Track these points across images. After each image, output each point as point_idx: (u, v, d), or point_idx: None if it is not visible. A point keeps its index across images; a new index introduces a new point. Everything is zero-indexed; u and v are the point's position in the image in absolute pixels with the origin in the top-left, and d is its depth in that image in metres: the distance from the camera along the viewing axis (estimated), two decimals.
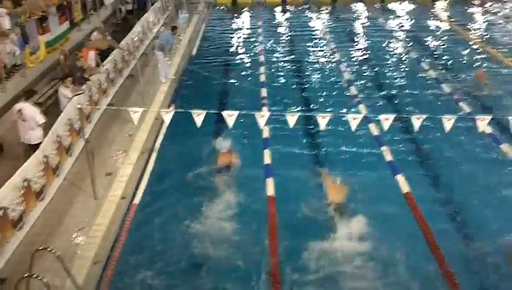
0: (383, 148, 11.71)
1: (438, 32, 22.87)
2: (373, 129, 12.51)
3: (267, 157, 11.37)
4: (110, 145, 11.76)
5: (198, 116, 8.71)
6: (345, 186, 9.88)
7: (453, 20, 25.19)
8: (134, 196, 10.16)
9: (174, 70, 17.03)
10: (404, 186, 10.16)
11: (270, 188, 10.14)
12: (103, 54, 14.49)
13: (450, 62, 18.41)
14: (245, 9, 29.11)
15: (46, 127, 9.81)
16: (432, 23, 24.68)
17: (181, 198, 10.04)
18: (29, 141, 10.00)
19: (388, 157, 11.35)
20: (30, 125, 9.89)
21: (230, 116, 8.78)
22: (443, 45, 20.84)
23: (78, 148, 10.77)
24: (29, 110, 9.93)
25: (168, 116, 8.98)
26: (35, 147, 9.31)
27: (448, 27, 23.77)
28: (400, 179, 10.40)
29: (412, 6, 29.08)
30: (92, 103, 12.31)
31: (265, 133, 12.30)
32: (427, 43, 21.02)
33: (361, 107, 14.12)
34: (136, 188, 10.44)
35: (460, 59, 18.62)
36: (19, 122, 9.95)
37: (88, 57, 13.51)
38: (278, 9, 28.98)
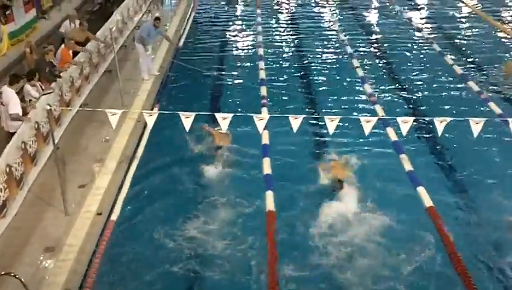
0: (402, 156, 11.69)
1: (464, 21, 22.97)
2: (391, 133, 12.50)
3: (266, 167, 11.33)
4: (84, 152, 11.71)
5: (187, 119, 8.69)
6: (348, 165, 10.58)
7: (479, 6, 25.30)
8: (112, 212, 10.07)
9: (159, 65, 17.04)
10: (427, 199, 10.14)
11: (270, 201, 10.12)
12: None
13: (477, 55, 18.48)
14: None
15: None
16: (457, 11, 24.78)
17: (166, 214, 9.98)
18: (7, 128, 10.50)
19: (408, 166, 11.33)
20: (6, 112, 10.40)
21: (224, 119, 8.77)
22: (470, 35, 20.93)
23: (46, 155, 10.73)
24: (7, 96, 10.39)
25: (151, 119, 8.96)
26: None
27: (475, 14, 23.86)
28: (421, 191, 10.38)
29: None
30: (62, 103, 12.29)
31: (265, 139, 12.28)
32: (451, 34, 21.09)
33: (378, 108, 14.12)
34: (114, 203, 10.35)
35: (490, 51, 18.70)
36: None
37: (66, 57, 13.56)
38: None
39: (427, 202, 10.04)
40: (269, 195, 10.27)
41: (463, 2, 26.21)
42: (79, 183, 10.47)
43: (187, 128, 8.78)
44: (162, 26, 16.32)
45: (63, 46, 14.01)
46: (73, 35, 14.82)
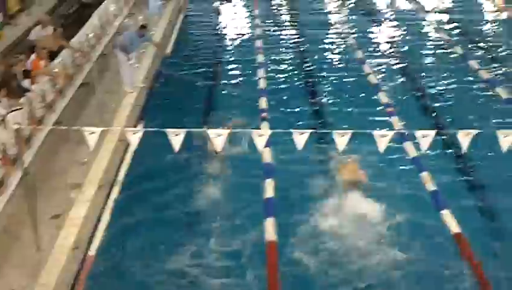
0: (423, 174, 11.67)
1: (490, 20, 23.08)
2: (410, 149, 12.47)
3: (269, 189, 11.29)
4: (58, 177, 11.64)
5: (176, 137, 8.67)
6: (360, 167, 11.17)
7: (509, 6, 25.46)
8: (90, 246, 10.03)
9: (143, 76, 17.06)
10: (453, 225, 10.09)
11: (271, 230, 10.06)
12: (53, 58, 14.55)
13: (506, 58, 18.51)
14: None
15: None
16: (481, 8, 24.90)
17: (152, 246, 9.92)
18: None
19: (430, 186, 11.29)
20: None
21: (218, 137, 8.75)
22: (497, 36, 20.99)
23: (14, 182, 10.67)
24: None
25: (135, 138, 8.94)
26: None
27: (504, 14, 23.98)
28: (447, 215, 10.34)
29: None
30: (33, 121, 12.25)
31: (266, 157, 12.24)
32: (476, 35, 21.17)
33: (394, 120, 14.10)
34: (93, 235, 10.31)
35: None
36: None
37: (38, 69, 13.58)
38: None
39: (454, 227, 9.99)
40: (270, 223, 10.23)
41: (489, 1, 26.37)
42: (52, 213, 10.37)
43: (176, 148, 8.74)
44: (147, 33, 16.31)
45: (33, 56, 14.02)
46: (46, 43, 14.82)
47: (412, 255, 9.42)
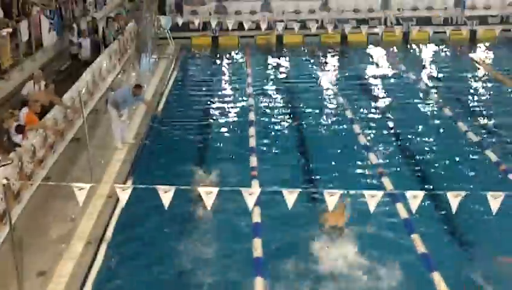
0: (414, 236, 11.64)
1: (478, 83, 23.45)
2: (401, 210, 12.48)
3: (257, 249, 11.21)
4: (45, 233, 11.56)
5: (166, 194, 8.68)
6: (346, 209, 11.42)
7: (495, 68, 25.95)
8: None
9: (135, 132, 17.12)
10: (442, 287, 10.03)
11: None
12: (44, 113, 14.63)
13: (494, 121, 18.77)
14: (229, 52, 29.77)
15: None
16: (469, 72, 25.35)
17: None
18: None
19: (421, 248, 11.26)
20: None
21: (208, 194, 8.76)
22: (485, 98, 21.31)
23: (1, 238, 10.57)
24: None
25: (124, 194, 8.94)
26: None
27: (490, 76, 24.42)
28: (437, 277, 10.28)
29: (442, 49, 29.99)
30: (22, 176, 12.22)
31: (256, 217, 12.21)
32: (464, 97, 21.46)
33: (385, 181, 14.14)
34: None
35: (508, 115, 19.06)
36: None
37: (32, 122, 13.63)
38: (273, 53, 29.67)
39: None
40: (259, 282, 10.12)
41: (476, 62, 26.89)
42: (38, 270, 10.24)
43: (166, 205, 8.73)
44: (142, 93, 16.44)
45: (25, 109, 14.07)
46: (38, 97, 14.92)
47: None
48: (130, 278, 10.60)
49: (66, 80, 19.49)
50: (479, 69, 25.89)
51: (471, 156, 15.97)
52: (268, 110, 20.34)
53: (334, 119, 19.36)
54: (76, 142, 15.93)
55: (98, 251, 11.38)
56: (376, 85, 23.64)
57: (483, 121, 18.94)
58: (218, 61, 28.62)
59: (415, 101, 21.17)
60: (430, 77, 24.70)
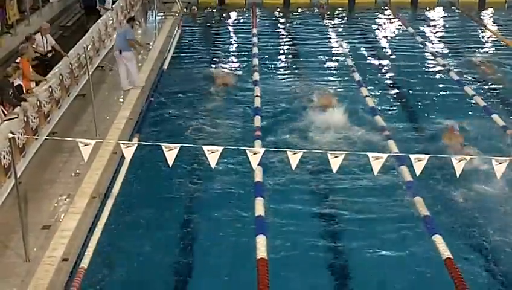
0: (416, 198, 11.65)
1: (486, 48, 23.21)
2: (405, 173, 12.47)
3: (259, 208, 11.25)
4: (50, 188, 11.59)
5: (170, 152, 8.62)
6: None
7: (503, 32, 25.70)
8: (81, 258, 9.90)
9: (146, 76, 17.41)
10: (444, 249, 10.05)
11: (262, 247, 10.01)
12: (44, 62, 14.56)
13: (501, 85, 18.65)
14: (236, 11, 29.53)
15: None
16: (477, 36, 25.12)
17: (144, 263, 9.83)
18: None
19: (423, 211, 11.26)
20: None
21: (212, 153, 8.71)
22: (492, 62, 21.09)
23: (6, 191, 10.62)
24: None
25: (129, 151, 8.88)
26: None
27: (498, 40, 24.21)
28: (438, 240, 10.30)
29: (451, 14, 29.68)
30: (28, 131, 12.21)
31: (258, 176, 12.22)
32: (471, 62, 21.29)
33: (391, 143, 14.09)
34: (84, 247, 10.20)
35: None
36: None
37: (26, 70, 13.53)
38: (279, 13, 29.42)
39: (445, 253, 9.95)
40: (261, 240, 10.18)
41: (485, 27, 26.64)
42: (43, 224, 10.30)
43: (170, 163, 8.69)
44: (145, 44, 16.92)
45: (19, 58, 13.93)
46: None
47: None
48: (134, 234, 10.64)
49: (73, 36, 19.38)
50: (485, 32, 25.67)
51: (476, 120, 15.87)
52: (273, 71, 20.23)
53: (342, 80, 19.27)
54: (82, 98, 15.90)
55: (103, 207, 11.43)
56: (383, 48, 23.51)
57: (489, 85, 18.83)
58: (224, 19, 28.46)
59: (422, 63, 21.06)
60: (438, 40, 24.53)
